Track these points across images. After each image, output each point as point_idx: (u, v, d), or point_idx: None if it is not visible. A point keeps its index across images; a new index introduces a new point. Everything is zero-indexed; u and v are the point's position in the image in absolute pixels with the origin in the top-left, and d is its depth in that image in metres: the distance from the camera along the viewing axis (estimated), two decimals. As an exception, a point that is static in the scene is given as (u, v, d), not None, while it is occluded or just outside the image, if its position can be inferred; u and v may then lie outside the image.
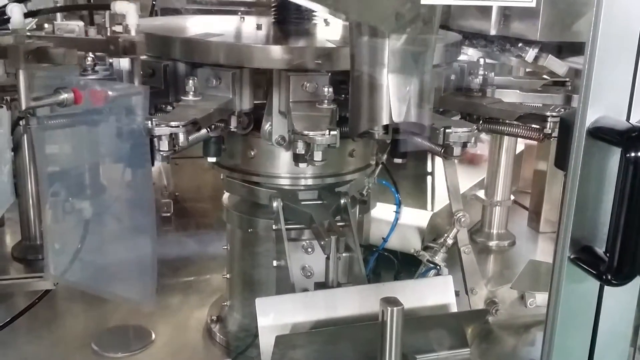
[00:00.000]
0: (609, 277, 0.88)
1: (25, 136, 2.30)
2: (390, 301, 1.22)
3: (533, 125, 1.65)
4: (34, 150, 2.12)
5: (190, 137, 1.45)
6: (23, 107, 1.34)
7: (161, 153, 1.40)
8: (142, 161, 1.48)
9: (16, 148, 2.33)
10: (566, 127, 0.93)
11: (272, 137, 1.66)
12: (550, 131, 1.62)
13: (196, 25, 2.03)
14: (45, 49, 1.38)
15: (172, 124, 1.37)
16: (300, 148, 1.39)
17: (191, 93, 1.54)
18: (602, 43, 0.86)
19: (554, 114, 1.61)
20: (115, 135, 1.48)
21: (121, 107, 1.44)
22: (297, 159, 1.45)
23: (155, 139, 1.38)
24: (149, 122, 1.37)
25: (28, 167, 2.35)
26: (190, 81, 1.54)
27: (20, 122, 2.25)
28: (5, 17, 1.65)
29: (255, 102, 1.67)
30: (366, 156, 1.90)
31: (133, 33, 1.52)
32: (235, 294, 2.03)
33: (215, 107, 1.52)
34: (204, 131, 1.55)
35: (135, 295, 1.62)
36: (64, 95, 1.39)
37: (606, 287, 0.95)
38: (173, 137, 1.38)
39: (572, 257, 0.91)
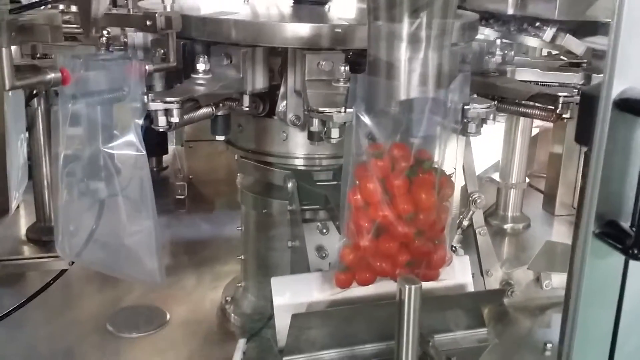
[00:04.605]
0: (635, 251, 0.87)
1: (39, 116, 2.30)
2: (408, 279, 1.21)
3: (547, 106, 1.63)
4: (53, 131, 2.12)
5: (189, 115, 1.45)
6: (7, 87, 1.32)
7: (158, 128, 1.39)
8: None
9: (30, 128, 2.34)
10: (588, 100, 0.92)
11: (287, 116, 1.65)
12: (562, 112, 1.60)
13: (211, 4, 2.01)
14: (31, 25, 1.36)
15: (167, 99, 1.36)
16: (316, 125, 1.38)
17: (201, 71, 1.53)
18: (629, 13, 0.84)
19: (566, 94, 1.59)
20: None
21: (119, 83, 1.43)
22: (312, 136, 1.43)
23: (152, 114, 1.38)
24: (145, 97, 1.37)
25: (43, 148, 2.34)
26: (201, 59, 1.54)
27: (30, 102, 2.26)
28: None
29: (271, 83, 1.67)
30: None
31: (169, 9, 1.52)
32: (250, 275, 2.03)
33: (218, 85, 1.51)
34: (208, 109, 1.54)
35: (143, 275, 1.61)
36: (51, 75, 1.38)
37: (631, 263, 0.94)
38: (168, 114, 1.37)
39: (596, 232, 0.89)
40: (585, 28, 1.93)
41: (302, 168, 1.80)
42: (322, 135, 1.38)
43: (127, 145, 1.43)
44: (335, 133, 1.35)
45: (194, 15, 1.63)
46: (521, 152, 2.69)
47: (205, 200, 3.00)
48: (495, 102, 1.73)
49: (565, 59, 2.12)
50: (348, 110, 1.32)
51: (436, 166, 1.31)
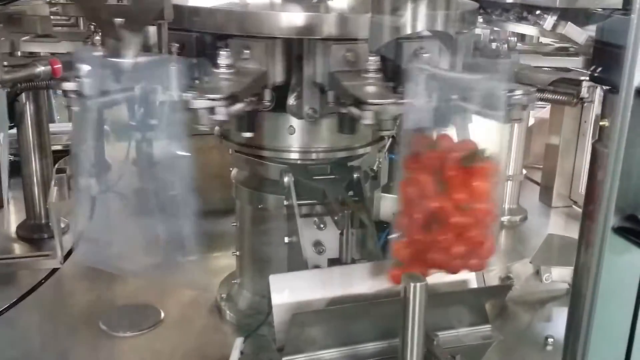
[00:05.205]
0: (656, 247, 0.83)
1: (28, 112, 2.25)
2: (414, 277, 1.17)
3: (567, 91, 1.61)
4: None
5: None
6: None
7: (202, 127, 1.32)
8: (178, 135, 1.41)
9: (18, 124, 2.28)
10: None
11: (302, 110, 1.60)
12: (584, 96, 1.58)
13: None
14: (20, 16, 1.32)
15: (212, 96, 1.29)
16: (370, 118, 1.32)
17: (224, 65, 1.45)
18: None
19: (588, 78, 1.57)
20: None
21: (154, 79, 1.36)
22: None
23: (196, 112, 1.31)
24: (186, 94, 1.30)
25: (32, 144, 2.29)
26: (224, 53, 1.46)
27: (18, 98, 2.20)
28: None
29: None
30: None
31: None
32: (245, 271, 1.99)
33: (250, 79, 1.44)
34: (241, 105, 1.47)
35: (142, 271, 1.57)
36: (40, 68, 1.33)
37: (651, 258, 0.90)
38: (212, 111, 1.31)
39: (615, 226, 0.86)
40: (586, 16, 1.90)
41: (299, 162, 1.76)
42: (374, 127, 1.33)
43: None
44: (389, 125, 1.30)
45: (212, 8, 1.56)
46: (518, 144, 2.66)
47: (197, 195, 2.94)
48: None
49: (552, 44, 2.10)
50: (403, 100, 1.27)
51: (488, 155, 1.28)
